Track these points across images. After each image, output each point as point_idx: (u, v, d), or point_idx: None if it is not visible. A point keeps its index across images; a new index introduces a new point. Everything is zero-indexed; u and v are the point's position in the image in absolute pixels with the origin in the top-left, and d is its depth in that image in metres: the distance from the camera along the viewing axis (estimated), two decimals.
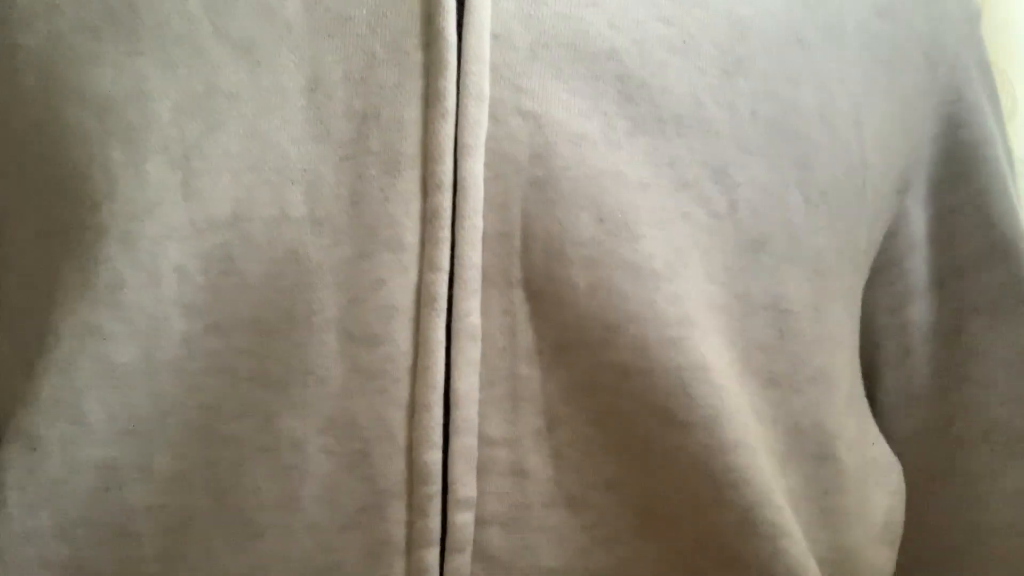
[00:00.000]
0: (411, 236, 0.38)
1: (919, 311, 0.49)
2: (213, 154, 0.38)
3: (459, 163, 0.38)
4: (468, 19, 0.38)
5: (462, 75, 0.38)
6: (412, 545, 0.38)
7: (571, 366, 0.38)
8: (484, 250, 0.38)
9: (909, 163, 0.47)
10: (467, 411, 0.38)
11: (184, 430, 0.39)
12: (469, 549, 0.39)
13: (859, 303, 0.45)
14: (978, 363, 0.49)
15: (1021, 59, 1.07)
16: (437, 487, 0.38)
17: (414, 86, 0.38)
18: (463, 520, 0.38)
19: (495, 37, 0.39)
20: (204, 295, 0.38)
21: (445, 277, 0.38)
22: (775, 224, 0.40)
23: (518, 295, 0.38)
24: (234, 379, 0.39)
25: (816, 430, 0.41)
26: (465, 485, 0.38)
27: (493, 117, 0.38)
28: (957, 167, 0.49)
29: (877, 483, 0.45)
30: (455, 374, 0.38)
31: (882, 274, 0.48)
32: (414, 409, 0.38)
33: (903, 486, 0.48)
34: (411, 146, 0.38)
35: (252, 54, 0.39)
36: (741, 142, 0.40)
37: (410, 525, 0.38)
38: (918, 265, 0.49)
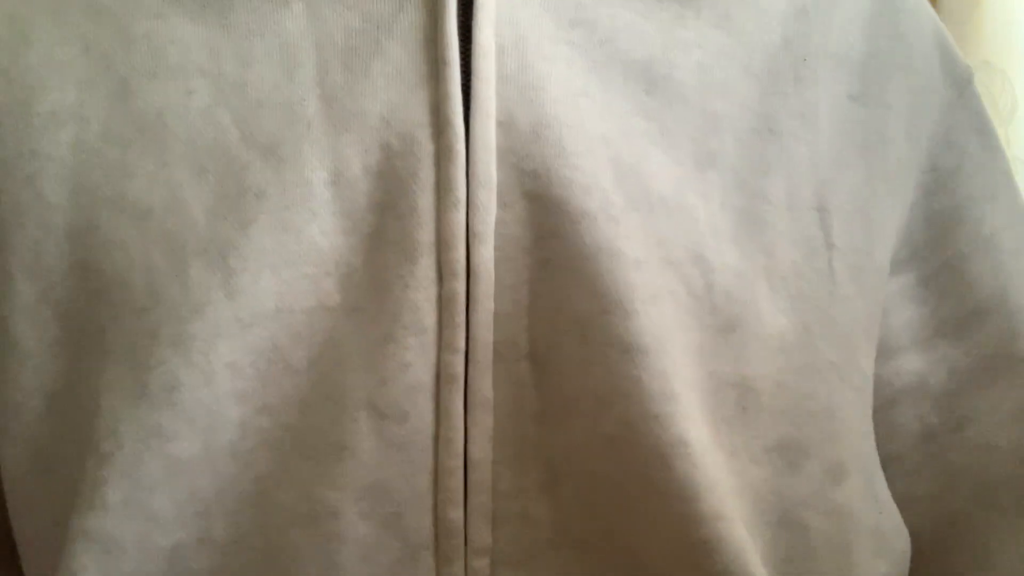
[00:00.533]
0: (430, 320, 0.40)
1: (901, 371, 0.50)
2: (249, 251, 0.40)
3: (471, 249, 0.40)
4: (474, 108, 0.41)
5: (471, 163, 0.40)
6: None
7: (569, 431, 0.41)
8: (495, 329, 0.41)
9: (906, 234, 0.49)
10: (482, 474, 0.41)
11: (240, 500, 0.42)
12: None
13: (853, 375, 0.46)
14: (977, 428, 0.49)
15: (1021, 59, 1.07)
16: (461, 539, 0.41)
17: (427, 175, 0.40)
18: (480, 564, 0.42)
19: (500, 124, 0.41)
20: (254, 383, 0.41)
21: (462, 358, 0.41)
22: (745, 307, 0.42)
23: (525, 366, 0.41)
24: (282, 452, 0.41)
25: (775, 497, 0.43)
26: (482, 536, 0.41)
27: (501, 202, 0.41)
28: (933, 232, 0.49)
29: (875, 552, 0.46)
30: (471, 444, 0.41)
31: None
32: (438, 474, 0.41)
33: (908, 553, 0.49)
34: (427, 234, 0.40)
35: (277, 153, 0.41)
36: (715, 230, 0.42)
37: (438, 571, 0.42)
38: (893, 325, 0.50)
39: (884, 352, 0.49)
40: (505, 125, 0.41)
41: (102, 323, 0.41)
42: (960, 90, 0.51)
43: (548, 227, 0.40)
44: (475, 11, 0.41)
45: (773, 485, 0.43)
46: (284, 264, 0.40)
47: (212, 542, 0.42)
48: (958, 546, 0.50)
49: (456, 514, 0.41)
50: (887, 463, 0.50)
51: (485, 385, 0.41)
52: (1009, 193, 0.51)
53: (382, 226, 0.40)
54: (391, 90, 0.41)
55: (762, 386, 0.43)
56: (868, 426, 0.47)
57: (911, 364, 0.50)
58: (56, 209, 0.42)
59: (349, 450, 0.40)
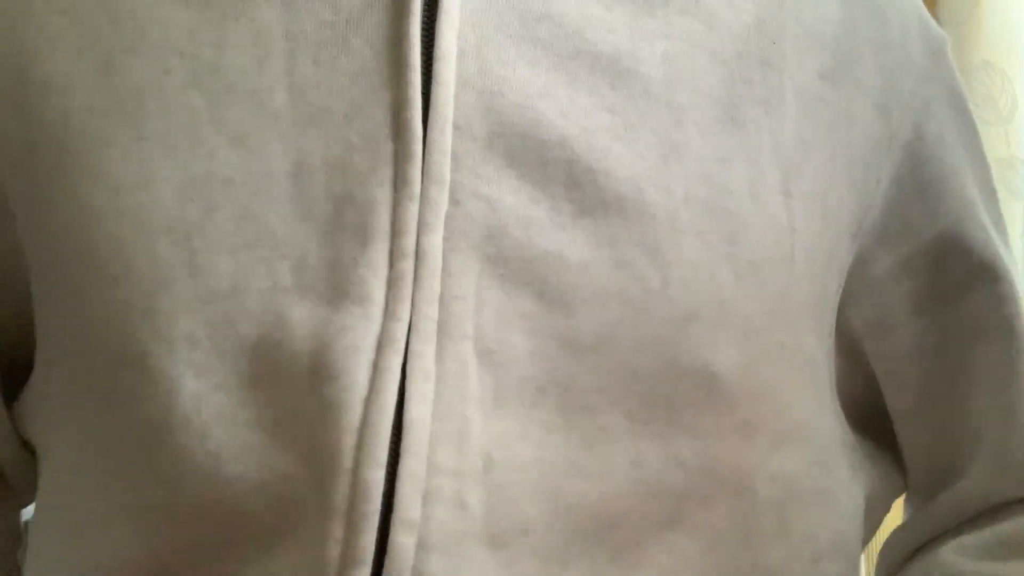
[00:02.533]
0: (378, 294, 0.41)
1: (900, 339, 0.51)
2: (212, 234, 0.42)
3: (420, 237, 0.42)
4: (433, 113, 0.42)
5: (426, 163, 0.42)
6: (345, 564, 0.39)
7: (505, 416, 0.42)
8: (440, 308, 0.41)
9: (863, 211, 0.49)
10: (418, 435, 0.40)
11: (195, 473, 0.42)
12: (408, 574, 0.40)
13: (796, 355, 0.47)
14: (961, 379, 0.51)
15: (1021, 59, 1.07)
16: (375, 505, 0.39)
17: (385, 172, 0.42)
18: (405, 542, 0.40)
19: (456, 128, 0.42)
20: (211, 357, 0.42)
21: (405, 326, 0.41)
22: (705, 296, 0.43)
23: (468, 348, 0.41)
24: (234, 426, 0.42)
25: (734, 470, 0.44)
26: (410, 507, 0.40)
27: (453, 199, 0.42)
28: (925, 203, 0.50)
29: (824, 508, 0.48)
30: (408, 404, 0.40)
31: (853, 308, 0.51)
32: (363, 434, 0.40)
33: (861, 511, 0.51)
34: (382, 223, 0.42)
35: (244, 143, 0.43)
36: (675, 223, 0.43)
37: (345, 543, 0.39)
38: (891, 299, 0.51)
39: (884, 328, 0.50)
40: (462, 129, 0.42)
41: (79, 284, 0.44)
42: (936, 59, 0.51)
43: (496, 227, 0.42)
44: (439, 15, 0.43)
45: (735, 460, 0.44)
46: (242, 247, 0.42)
47: (170, 512, 0.42)
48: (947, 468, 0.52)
49: (373, 475, 0.39)
50: (901, 417, 0.52)
51: (426, 352, 0.41)
52: (979, 165, 0.53)
53: (339, 213, 0.42)
54: (355, 89, 0.43)
55: (728, 371, 0.44)
56: (820, 401, 0.48)
57: (910, 330, 0.51)
58: (47, 174, 0.44)
59: (291, 414, 0.41)
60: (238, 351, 0.42)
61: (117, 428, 0.43)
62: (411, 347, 0.41)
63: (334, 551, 0.39)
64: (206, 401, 0.42)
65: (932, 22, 0.52)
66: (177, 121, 0.43)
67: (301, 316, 0.41)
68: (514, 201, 0.42)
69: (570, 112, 0.43)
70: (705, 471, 0.43)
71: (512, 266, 0.42)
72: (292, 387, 0.41)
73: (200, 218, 0.42)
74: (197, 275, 0.42)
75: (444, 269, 0.42)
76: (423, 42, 0.43)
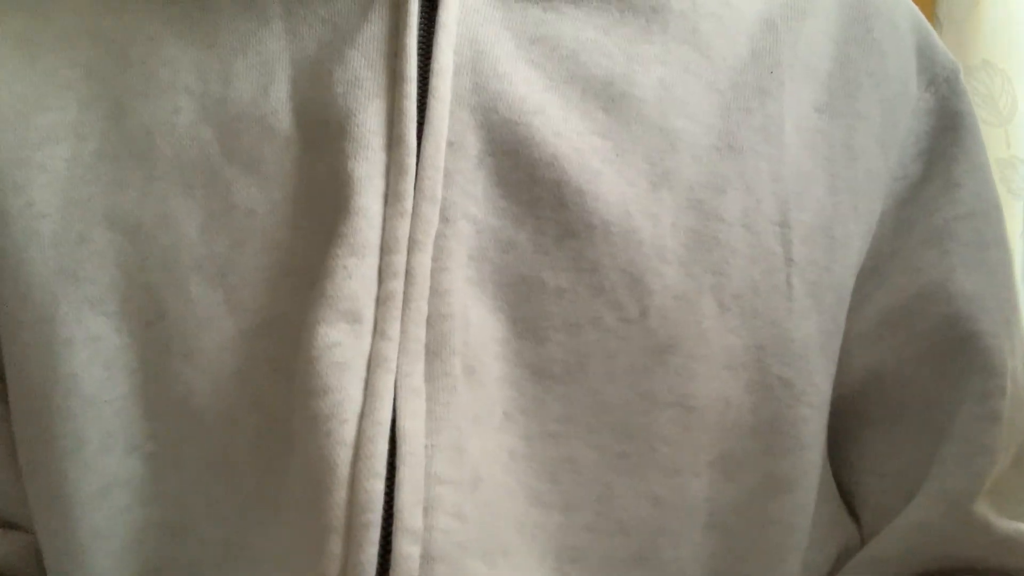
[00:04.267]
0: (367, 312, 0.41)
1: (847, 368, 0.49)
2: (245, 268, 0.42)
3: (410, 256, 0.42)
4: (428, 128, 0.42)
5: (419, 178, 0.42)
6: None
7: (483, 436, 0.42)
8: (428, 329, 0.41)
9: (873, 244, 0.47)
10: (413, 446, 0.40)
11: (225, 491, 0.42)
12: None
13: (810, 392, 0.45)
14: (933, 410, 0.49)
15: (1021, 59, 1.07)
16: (375, 515, 0.38)
17: (379, 183, 0.42)
18: (410, 552, 0.39)
19: (450, 144, 0.42)
20: (262, 393, 0.42)
21: (395, 345, 0.41)
22: (685, 327, 0.43)
23: (457, 364, 0.41)
24: (268, 457, 0.42)
25: (706, 504, 0.43)
26: (412, 515, 0.39)
27: (443, 217, 0.42)
28: (893, 238, 0.48)
29: (817, 548, 0.47)
30: (400, 419, 0.40)
31: (855, 352, 0.49)
32: (359, 445, 0.39)
33: (831, 559, 0.49)
34: (374, 236, 0.41)
35: (259, 170, 0.43)
36: (660, 251, 0.43)
37: (344, 559, 0.38)
38: (880, 349, 0.49)
39: (875, 378, 0.48)
40: (455, 146, 0.42)
41: (96, 332, 0.42)
42: (936, 89, 0.50)
43: (479, 249, 0.42)
44: (436, 30, 0.43)
45: (707, 494, 0.43)
46: (279, 276, 0.42)
47: (190, 529, 0.42)
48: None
49: (372, 485, 0.38)
50: (852, 445, 0.50)
51: (416, 371, 0.40)
52: (977, 184, 0.49)
53: (335, 222, 0.42)
54: (348, 97, 0.42)
55: (706, 405, 0.43)
56: (823, 448, 0.47)
57: (861, 360, 0.48)
58: (44, 218, 0.43)
59: (281, 430, 0.41)
60: (282, 379, 0.41)
61: (154, 474, 0.43)
62: (400, 367, 0.40)
63: (332, 569, 0.38)
64: (265, 433, 0.41)
65: (941, 50, 0.50)
66: (189, 157, 0.43)
67: (297, 328, 0.41)
68: (498, 224, 0.42)
69: (563, 131, 0.43)
70: (679, 507, 0.43)
71: (487, 291, 0.42)
72: (280, 402, 0.41)
73: (229, 253, 0.42)
74: (237, 312, 0.42)
75: (432, 289, 0.41)
76: (420, 55, 0.43)
